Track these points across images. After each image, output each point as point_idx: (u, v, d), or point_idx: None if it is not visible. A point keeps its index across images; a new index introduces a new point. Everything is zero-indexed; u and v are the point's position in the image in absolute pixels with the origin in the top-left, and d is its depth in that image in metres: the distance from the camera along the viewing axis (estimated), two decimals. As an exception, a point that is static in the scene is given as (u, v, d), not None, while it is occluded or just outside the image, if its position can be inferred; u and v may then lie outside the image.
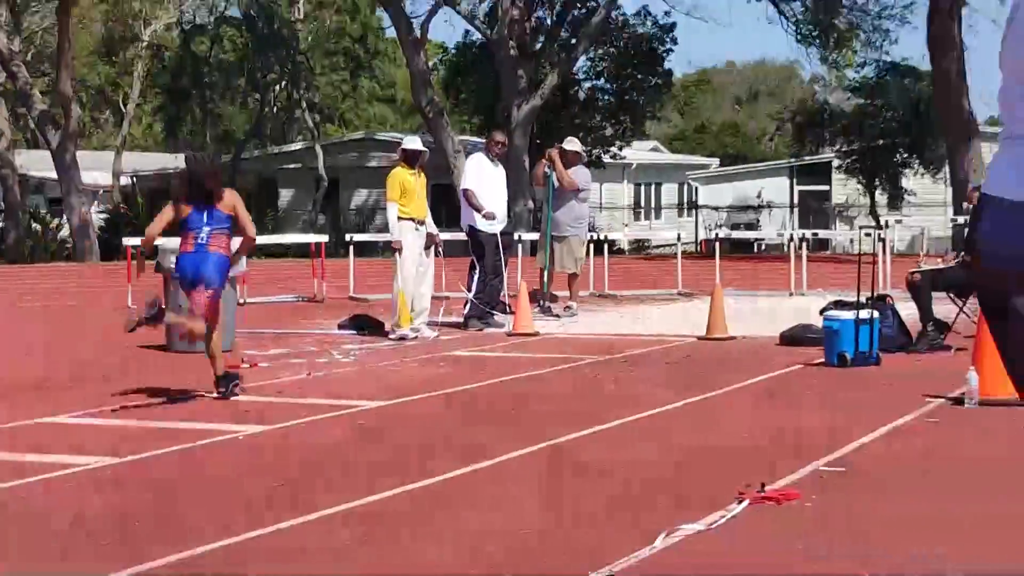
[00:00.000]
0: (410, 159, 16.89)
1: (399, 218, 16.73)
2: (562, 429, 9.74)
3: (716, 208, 58.09)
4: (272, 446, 9.42)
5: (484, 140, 20.54)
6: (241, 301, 19.47)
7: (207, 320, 11.39)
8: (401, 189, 16.68)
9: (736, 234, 40.22)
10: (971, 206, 16.38)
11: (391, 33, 54.89)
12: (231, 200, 11.76)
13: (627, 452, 9.00)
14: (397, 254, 16.77)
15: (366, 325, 17.57)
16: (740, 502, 7.22)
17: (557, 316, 18.92)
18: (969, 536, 6.66)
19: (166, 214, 11.74)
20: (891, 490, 7.79)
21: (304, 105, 58.34)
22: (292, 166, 54.17)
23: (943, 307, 15.61)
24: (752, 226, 53.03)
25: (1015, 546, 6.45)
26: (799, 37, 45.02)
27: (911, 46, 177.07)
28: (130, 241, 24.71)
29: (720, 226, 48.86)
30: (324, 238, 25.51)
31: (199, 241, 11.48)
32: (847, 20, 44.42)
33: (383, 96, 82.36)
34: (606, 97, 50.78)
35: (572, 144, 19.59)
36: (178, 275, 11.72)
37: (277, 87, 60.68)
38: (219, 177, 12.05)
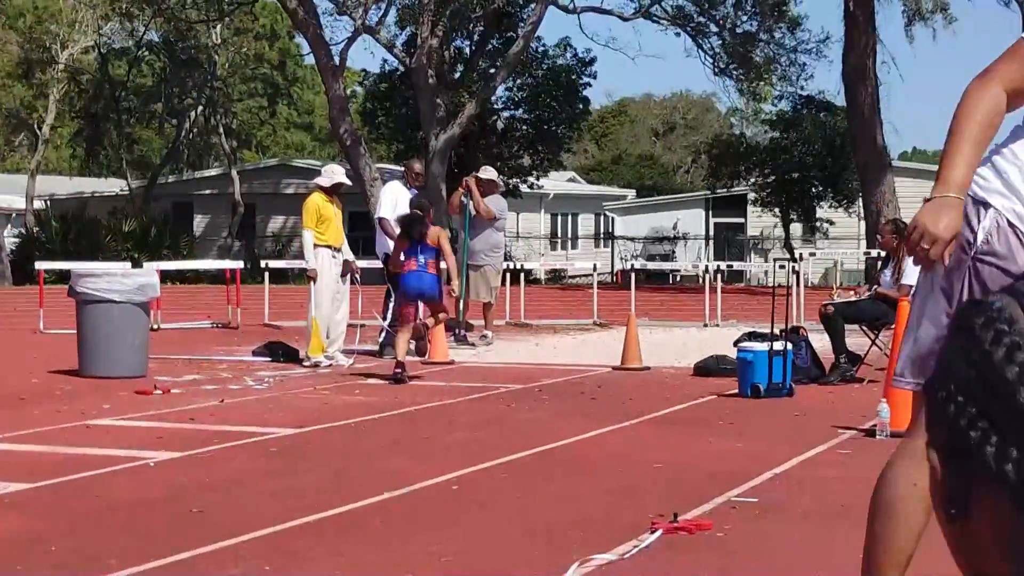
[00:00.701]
0: (331, 189, 16.85)
1: (315, 245, 16.66)
2: (475, 458, 9.73)
3: (632, 239, 58.30)
4: (184, 473, 9.34)
5: (402, 168, 20.52)
6: (155, 327, 19.33)
7: (436, 315, 15.87)
8: (318, 216, 16.62)
9: (652, 265, 40.32)
10: (883, 248, 16.54)
11: (310, 60, 54.74)
12: (435, 234, 15.29)
13: (540, 482, 9.00)
14: (312, 281, 16.69)
15: (281, 352, 17.48)
16: (653, 532, 7.23)
17: (472, 345, 18.93)
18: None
19: (399, 244, 15.52)
20: (802, 520, 7.83)
21: (221, 131, 58.06)
22: (208, 191, 53.90)
23: (856, 340, 15.74)
24: (668, 257, 53.29)
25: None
26: (717, 70, 45.34)
27: (827, 80, 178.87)
28: (43, 265, 24.50)
29: (636, 257, 49.08)
30: (239, 264, 25.37)
31: (419, 266, 15.14)
32: (764, 54, 44.79)
33: (301, 123, 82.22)
34: (524, 127, 50.87)
35: (488, 173, 19.62)
36: (404, 290, 15.30)
37: (194, 112, 60.37)
38: (426, 223, 15.43)
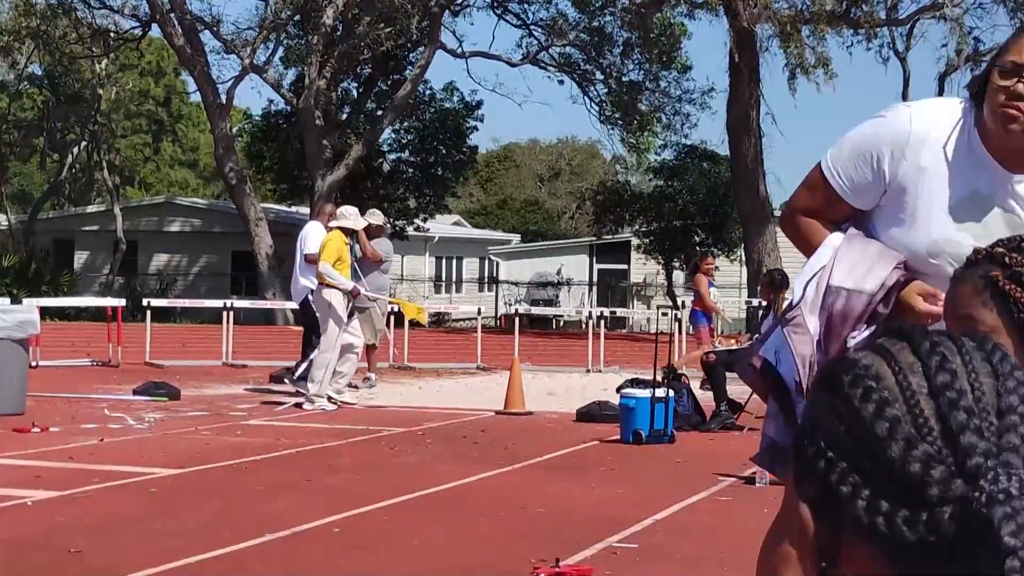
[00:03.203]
0: (349, 231, 17.03)
1: (328, 285, 16.61)
2: (357, 501, 9.72)
3: (516, 283, 58.47)
4: (62, 513, 9.24)
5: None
6: (34, 364, 19.08)
7: None
8: (338, 256, 16.64)
9: (536, 310, 40.42)
10: (763, 298, 16.79)
11: (196, 97, 54.42)
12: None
13: (422, 526, 9.01)
14: (331, 321, 16.55)
15: (162, 391, 17.33)
16: (534, 577, 7.27)
17: (355, 387, 18.87)
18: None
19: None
20: (682, 566, 7.90)
21: (104, 167, 57.54)
22: (90, 228, 53.34)
23: (736, 388, 15.89)
24: (551, 302, 53.45)
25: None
26: (602, 118, 45.72)
27: (711, 131, 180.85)
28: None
29: (520, 301, 49.18)
30: (121, 302, 25.12)
31: None
32: (649, 103, 45.23)
33: (185, 160, 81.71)
34: (410, 170, 50.94)
35: (375, 216, 19.62)
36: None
37: (77, 147, 59.81)
38: None
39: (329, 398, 16.55)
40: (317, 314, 16.93)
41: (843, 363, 1.51)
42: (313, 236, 18.49)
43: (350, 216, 17.38)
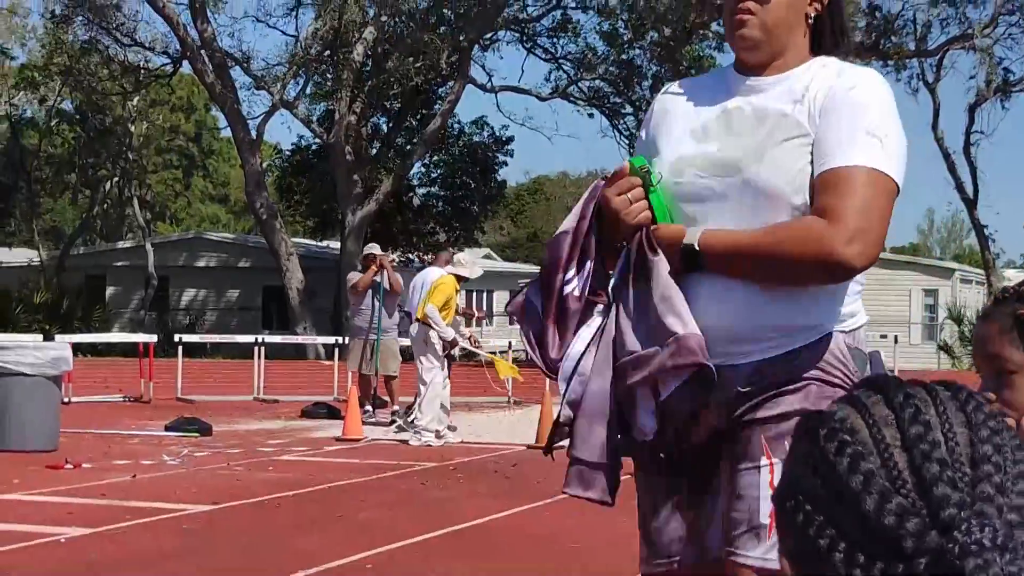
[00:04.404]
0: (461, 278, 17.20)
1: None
2: (388, 537, 9.72)
3: (547, 316, 58.41)
4: (95, 550, 9.26)
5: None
6: (66, 400, 19.15)
7: None
8: (445, 300, 16.74)
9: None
10: None
11: (227, 132, 54.71)
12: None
13: (454, 562, 9.00)
14: (431, 357, 16.66)
15: (193, 427, 17.37)
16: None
17: (394, 422, 18.77)
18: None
19: None
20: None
21: (136, 202, 57.82)
22: (121, 263, 53.55)
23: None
24: (582, 335, 53.34)
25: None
26: (632, 151, 45.83)
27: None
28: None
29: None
30: (152, 338, 25.21)
31: None
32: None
33: (216, 195, 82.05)
34: (440, 204, 51.08)
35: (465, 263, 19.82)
36: None
37: (109, 183, 60.11)
38: None
39: (437, 433, 16.67)
40: (413, 349, 17.03)
41: (819, 416, 1.53)
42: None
43: (467, 264, 17.51)
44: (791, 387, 3.42)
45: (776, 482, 3.05)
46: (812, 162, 3.39)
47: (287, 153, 53.83)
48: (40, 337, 23.22)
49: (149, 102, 59.30)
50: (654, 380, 3.41)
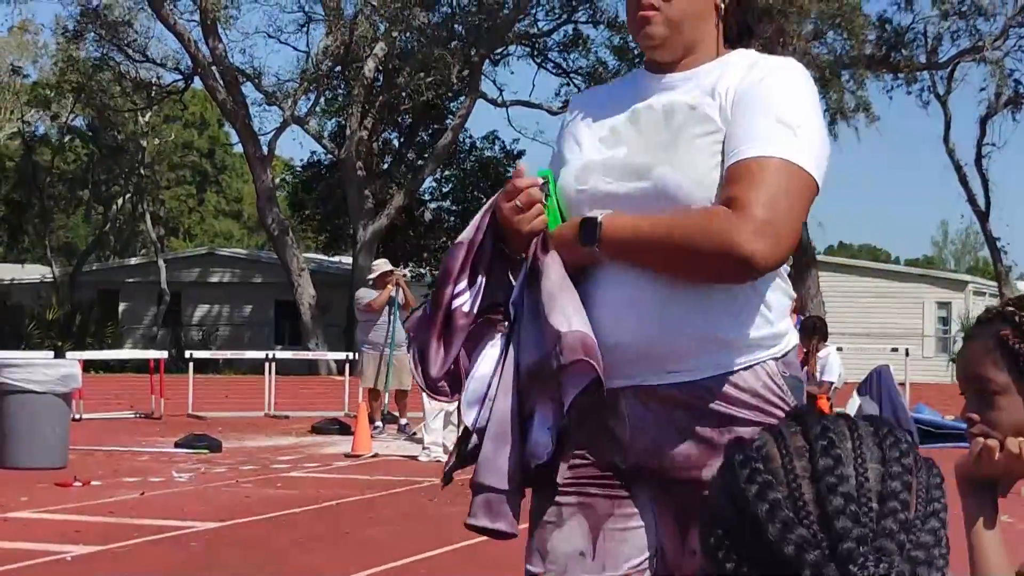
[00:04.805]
0: None
1: None
2: (396, 553, 9.71)
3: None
4: (102, 568, 9.27)
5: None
6: (76, 416, 19.18)
7: None
8: None
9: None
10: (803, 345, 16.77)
11: (239, 148, 54.78)
12: None
13: (461, 578, 9.00)
14: None
15: (203, 443, 17.39)
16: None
17: (414, 434, 18.75)
18: None
19: None
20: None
21: (148, 218, 57.95)
22: (134, 279, 53.70)
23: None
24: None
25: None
26: (641, 163, 45.88)
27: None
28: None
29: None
30: (164, 354, 25.25)
31: None
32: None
33: (229, 211, 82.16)
34: (451, 218, 51.11)
35: (384, 265, 20.14)
36: None
37: (121, 199, 60.25)
38: None
39: (445, 447, 16.64)
40: None
41: (740, 445, 1.54)
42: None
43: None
44: (736, 427, 3.14)
45: None
46: (724, 161, 3.17)
47: (298, 168, 53.93)
48: (51, 354, 23.26)
49: (162, 118, 59.51)
50: (556, 390, 3.16)
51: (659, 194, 3.17)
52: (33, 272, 57.69)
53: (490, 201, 3.45)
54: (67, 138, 57.87)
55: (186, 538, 10.58)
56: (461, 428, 3.39)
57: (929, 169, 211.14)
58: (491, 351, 3.32)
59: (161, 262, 52.69)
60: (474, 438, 3.31)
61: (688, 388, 3.17)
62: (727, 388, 3.17)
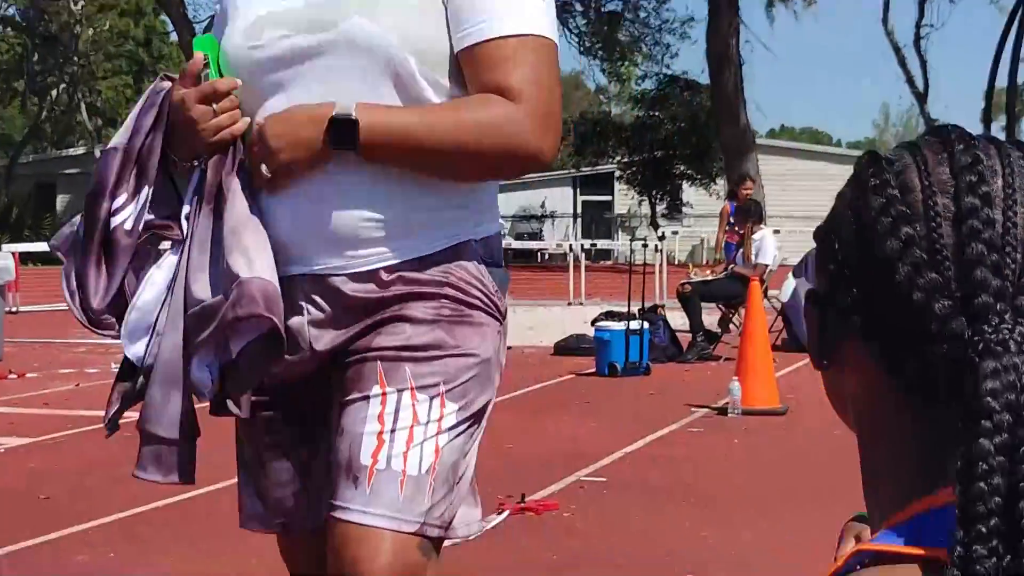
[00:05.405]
0: None
1: None
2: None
3: (501, 217, 58.42)
4: (35, 459, 9.28)
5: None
6: (12, 309, 19.09)
7: None
8: None
9: (518, 243, 40.48)
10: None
11: (176, 37, 54.19)
12: None
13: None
14: None
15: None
16: (500, 513, 7.32)
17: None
18: (723, 546, 6.84)
19: None
20: (648, 499, 7.96)
21: (84, 109, 57.34)
22: (72, 171, 53.23)
23: (712, 318, 15.96)
24: (536, 236, 53.46)
25: (769, 554, 6.65)
26: (582, 49, 45.62)
27: (691, 60, 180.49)
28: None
29: (504, 235, 49.14)
30: (101, 245, 25.00)
31: None
32: (629, 34, 45.15)
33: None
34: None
35: None
36: None
37: (57, 90, 59.58)
38: None
39: None
40: None
41: (876, 161, 1.37)
42: None
43: None
44: (417, 305, 2.80)
45: (389, 412, 2.74)
46: (445, 23, 2.75)
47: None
48: (-14, 247, 23.10)
49: (97, 7, 58.72)
50: (224, 336, 2.76)
51: (353, 46, 2.71)
52: (-33, 165, 57.16)
53: (147, 95, 2.93)
54: (0, 28, 57.09)
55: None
56: (121, 364, 2.99)
57: (869, 50, 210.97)
58: (157, 273, 2.87)
59: (99, 153, 52.02)
60: (140, 379, 2.92)
61: (377, 272, 2.79)
62: (426, 270, 2.81)
